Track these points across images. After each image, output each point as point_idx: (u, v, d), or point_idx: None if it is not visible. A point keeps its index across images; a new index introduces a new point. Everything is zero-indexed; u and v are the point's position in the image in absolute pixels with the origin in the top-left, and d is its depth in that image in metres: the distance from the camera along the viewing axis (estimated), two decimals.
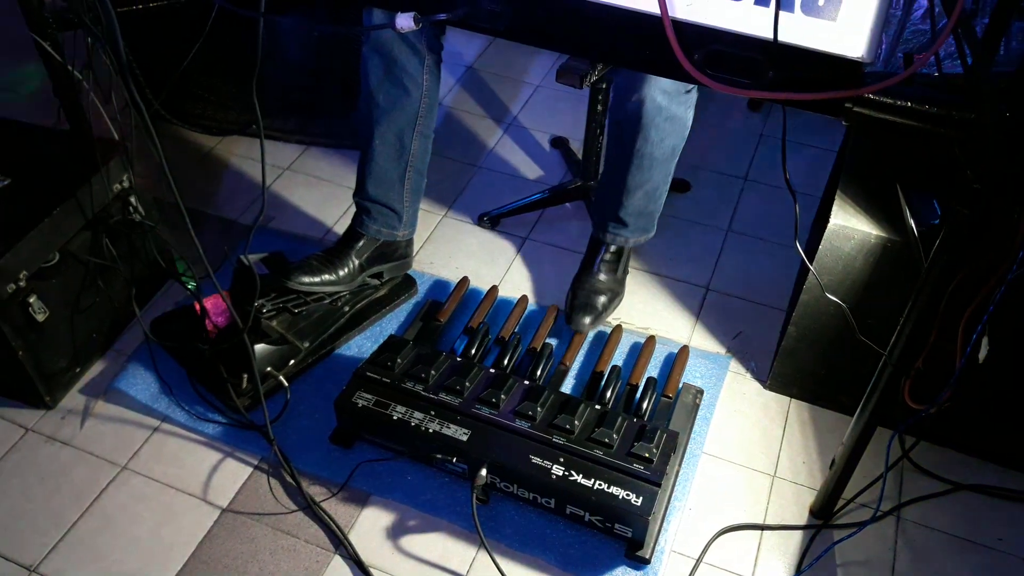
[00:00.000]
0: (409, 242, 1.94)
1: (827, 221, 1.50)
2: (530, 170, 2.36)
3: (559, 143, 2.44)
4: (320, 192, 2.25)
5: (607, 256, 1.91)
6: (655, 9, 0.89)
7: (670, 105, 1.64)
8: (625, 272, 1.96)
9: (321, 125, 2.34)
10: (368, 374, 1.62)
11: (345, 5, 2.01)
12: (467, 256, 2.10)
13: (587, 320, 1.84)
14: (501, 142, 2.45)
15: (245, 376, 1.67)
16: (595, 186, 2.16)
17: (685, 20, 0.91)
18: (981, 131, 1.02)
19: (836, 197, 1.52)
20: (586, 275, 1.90)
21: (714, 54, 0.93)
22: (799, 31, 0.88)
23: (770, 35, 0.88)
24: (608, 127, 1.80)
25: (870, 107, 1.04)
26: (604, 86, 1.95)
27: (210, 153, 2.35)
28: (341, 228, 2.06)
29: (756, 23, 0.89)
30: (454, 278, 2.00)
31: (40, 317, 1.63)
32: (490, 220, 2.18)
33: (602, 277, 1.90)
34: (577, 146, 2.37)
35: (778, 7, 0.86)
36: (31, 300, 1.60)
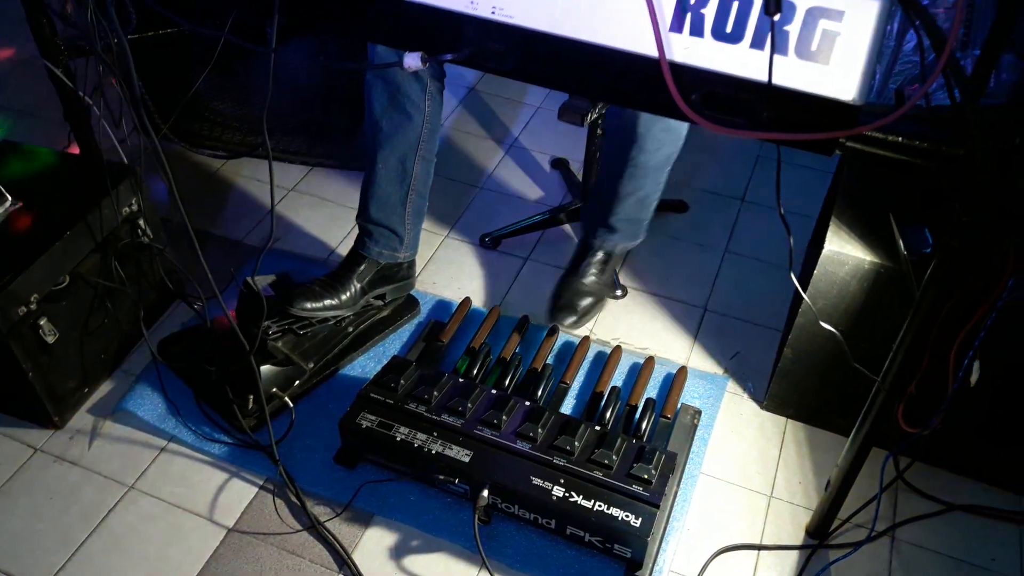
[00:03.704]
0: (411, 263, 1.98)
1: (822, 246, 1.53)
2: (531, 191, 2.39)
3: (559, 164, 2.47)
4: (325, 212, 2.28)
5: (594, 260, 1.95)
6: (654, 52, 0.93)
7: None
8: (611, 277, 1.99)
9: (327, 146, 2.37)
10: (372, 395, 1.65)
11: (354, 40, 2.05)
12: (469, 276, 2.13)
13: (570, 319, 1.88)
14: (502, 163, 2.48)
15: (251, 397, 1.69)
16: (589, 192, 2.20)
17: (683, 63, 0.94)
18: (969, 167, 1.06)
19: (830, 223, 1.55)
20: (572, 277, 1.94)
21: (711, 94, 0.96)
22: (793, 74, 0.91)
23: (765, 78, 0.91)
24: (605, 133, 1.83)
25: (862, 142, 1.08)
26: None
27: (216, 174, 2.38)
28: (345, 248, 2.09)
29: (751, 66, 0.92)
30: (456, 298, 2.03)
31: (50, 339, 1.66)
32: (491, 240, 2.21)
33: (588, 280, 1.93)
34: (577, 167, 2.40)
35: (773, 51, 0.90)
36: (41, 322, 1.63)
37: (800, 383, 1.73)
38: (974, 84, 1.08)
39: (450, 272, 2.14)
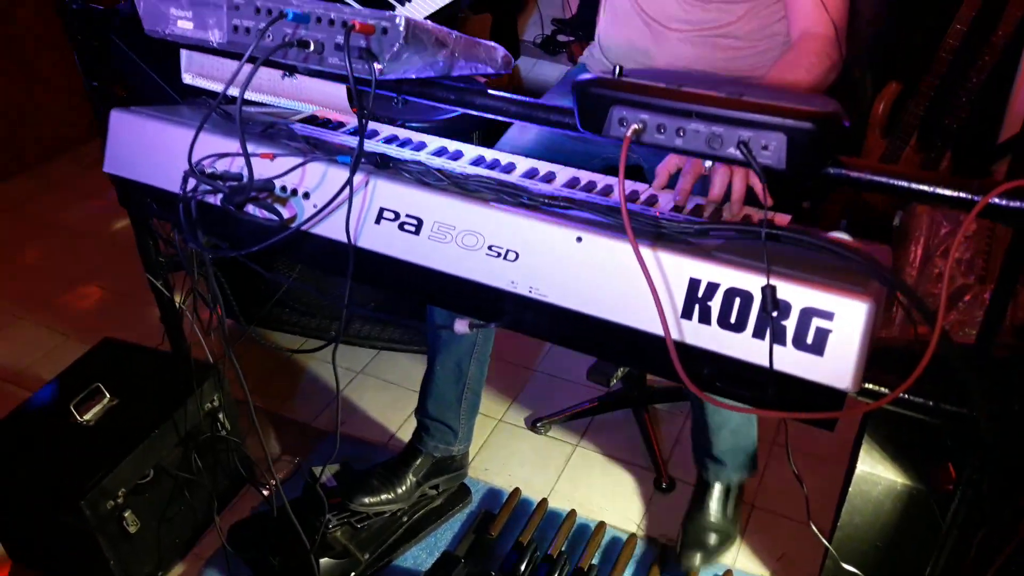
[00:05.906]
0: (464, 454, 2.09)
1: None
2: (582, 375, 2.50)
3: None
4: (388, 395, 2.43)
5: (714, 494, 1.96)
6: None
7: None
8: (737, 512, 1.99)
9: (394, 331, 2.55)
10: None
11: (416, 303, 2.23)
12: (520, 463, 2.23)
13: (697, 558, 1.89)
14: (556, 347, 2.61)
15: None
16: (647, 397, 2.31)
17: (693, 344, 1.06)
18: (974, 428, 1.12)
19: (863, 443, 1.61)
20: (696, 512, 1.95)
21: (720, 370, 1.08)
22: (792, 362, 1.01)
23: (767, 363, 1.02)
24: None
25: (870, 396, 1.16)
26: None
27: (292, 357, 2.58)
28: (404, 432, 2.23)
29: (754, 352, 1.03)
30: (507, 486, 2.12)
31: (132, 529, 1.80)
32: (543, 426, 2.32)
33: (711, 516, 1.94)
34: None
35: (772, 342, 1.01)
36: (126, 514, 1.78)
37: None
38: (978, 356, 1.15)
39: (502, 457, 2.24)
